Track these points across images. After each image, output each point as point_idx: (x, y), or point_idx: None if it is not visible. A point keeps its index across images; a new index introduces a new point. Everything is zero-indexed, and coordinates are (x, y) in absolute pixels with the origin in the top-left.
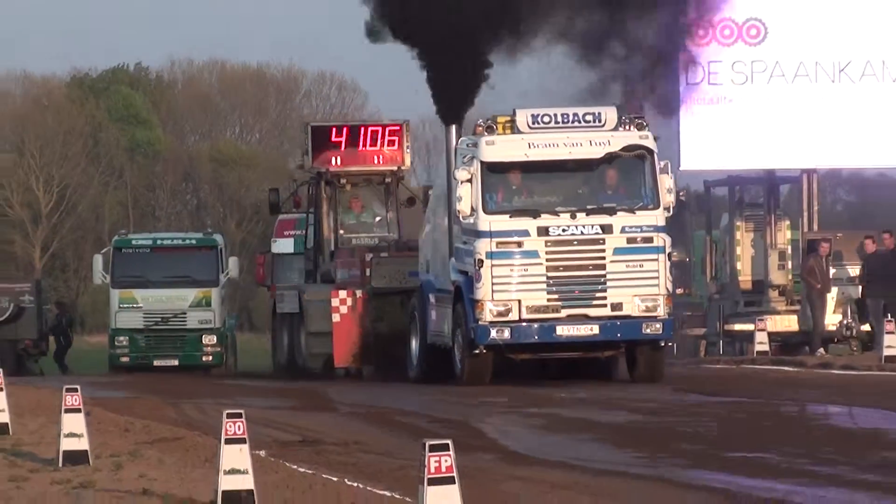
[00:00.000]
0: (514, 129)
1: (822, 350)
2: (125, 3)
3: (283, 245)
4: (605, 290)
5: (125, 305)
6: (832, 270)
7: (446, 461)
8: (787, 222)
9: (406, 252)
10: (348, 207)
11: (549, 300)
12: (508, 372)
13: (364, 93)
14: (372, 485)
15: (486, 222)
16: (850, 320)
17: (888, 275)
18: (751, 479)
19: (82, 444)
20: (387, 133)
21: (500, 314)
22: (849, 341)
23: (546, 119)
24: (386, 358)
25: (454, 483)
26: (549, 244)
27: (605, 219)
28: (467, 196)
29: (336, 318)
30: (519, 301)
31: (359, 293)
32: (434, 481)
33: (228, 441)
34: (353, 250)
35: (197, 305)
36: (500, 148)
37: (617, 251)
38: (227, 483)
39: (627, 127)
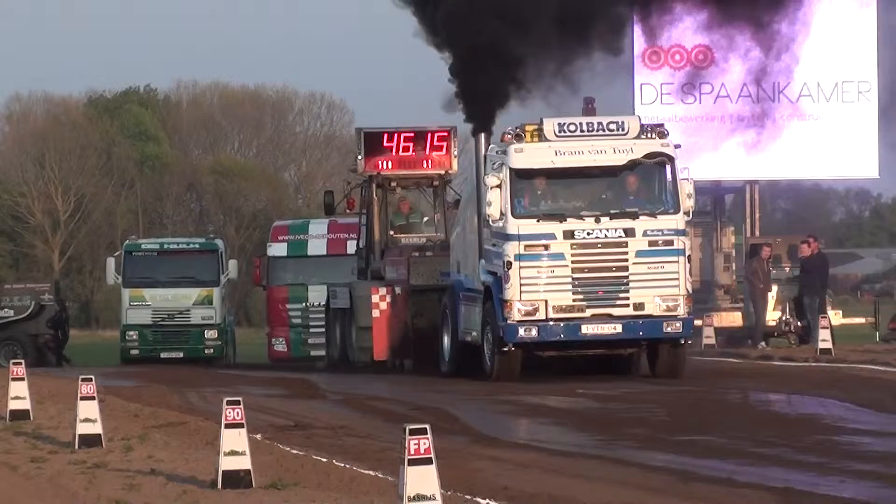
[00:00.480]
0: (542, 137)
1: (763, 343)
2: (137, 32)
3: (278, 249)
4: (627, 291)
5: (135, 303)
6: (772, 272)
7: (424, 444)
8: (732, 228)
9: (449, 252)
10: (398, 209)
11: (574, 300)
12: (535, 368)
13: (351, 112)
14: (358, 465)
15: (515, 226)
16: (788, 317)
17: (818, 275)
18: (698, 459)
19: (96, 429)
20: (435, 138)
21: (527, 313)
22: (787, 335)
23: (572, 128)
24: (424, 352)
25: (432, 463)
26: (574, 247)
27: (627, 222)
28: (497, 201)
29: (376, 313)
30: (546, 301)
31: (398, 290)
32: (413, 462)
33: (228, 426)
34: (402, 249)
35: (200, 303)
36: (528, 155)
37: (639, 253)
38: (226, 463)
39: (649, 135)
